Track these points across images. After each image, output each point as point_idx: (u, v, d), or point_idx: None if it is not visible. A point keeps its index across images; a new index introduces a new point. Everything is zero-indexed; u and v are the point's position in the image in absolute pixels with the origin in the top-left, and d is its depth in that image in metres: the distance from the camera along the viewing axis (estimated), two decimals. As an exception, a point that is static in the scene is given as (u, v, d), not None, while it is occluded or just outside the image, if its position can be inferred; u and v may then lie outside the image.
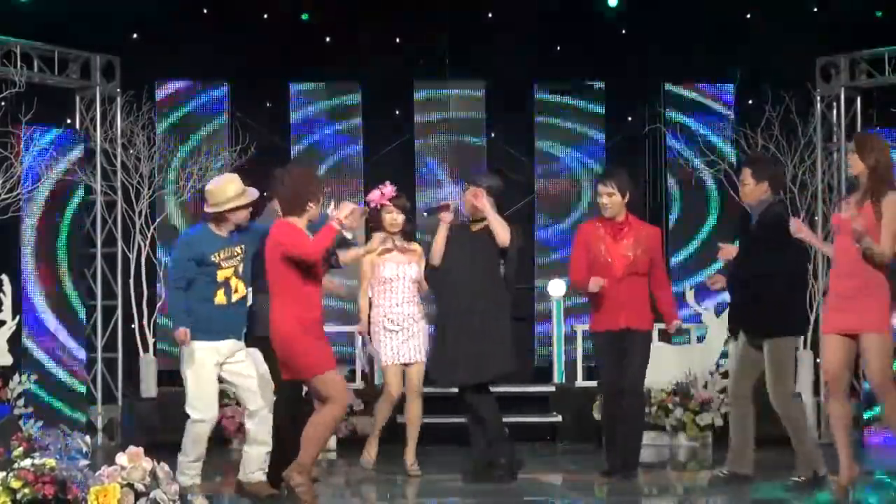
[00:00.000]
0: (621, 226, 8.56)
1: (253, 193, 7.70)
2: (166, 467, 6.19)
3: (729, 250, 8.24)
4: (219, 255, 7.64)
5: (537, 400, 11.58)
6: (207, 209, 7.72)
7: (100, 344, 11.63)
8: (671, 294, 8.81)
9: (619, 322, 8.51)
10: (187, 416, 7.66)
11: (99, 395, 11.52)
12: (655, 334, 11.27)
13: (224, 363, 7.70)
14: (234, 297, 7.67)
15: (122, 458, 6.08)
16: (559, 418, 11.45)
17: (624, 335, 8.51)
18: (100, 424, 11.32)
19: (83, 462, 6.06)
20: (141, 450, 6.14)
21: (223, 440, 10.49)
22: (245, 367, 7.66)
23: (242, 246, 7.68)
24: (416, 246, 9.17)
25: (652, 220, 12.82)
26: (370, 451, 9.15)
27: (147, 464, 6.10)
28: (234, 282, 7.66)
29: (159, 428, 10.71)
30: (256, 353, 7.74)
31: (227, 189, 7.71)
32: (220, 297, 7.60)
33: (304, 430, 7.27)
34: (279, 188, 7.41)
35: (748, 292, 8.18)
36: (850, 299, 7.38)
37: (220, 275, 7.63)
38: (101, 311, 11.64)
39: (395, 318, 8.94)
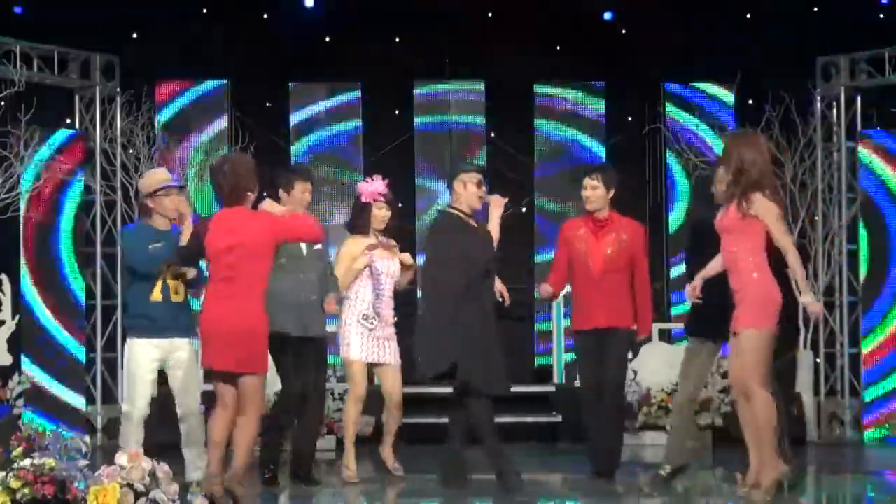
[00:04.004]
0: (603, 223, 8.53)
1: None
2: (166, 467, 6.19)
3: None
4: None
5: (537, 400, 11.57)
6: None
7: (99, 344, 11.63)
8: (649, 300, 8.65)
9: (598, 321, 8.48)
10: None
11: (99, 395, 11.52)
12: (655, 334, 11.31)
13: (166, 360, 7.72)
14: (172, 295, 7.66)
15: (121, 458, 6.09)
16: (559, 418, 11.44)
17: (604, 333, 8.47)
18: (99, 424, 11.32)
19: (83, 462, 6.06)
20: (141, 450, 6.15)
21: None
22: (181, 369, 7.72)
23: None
24: (394, 243, 8.97)
25: (652, 220, 12.85)
26: (350, 465, 8.78)
27: (146, 464, 6.10)
28: (171, 281, 7.67)
29: (159, 428, 10.67)
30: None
31: (157, 176, 7.79)
32: (155, 294, 7.60)
33: (238, 438, 7.12)
34: (220, 178, 7.19)
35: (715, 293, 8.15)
36: (736, 299, 7.37)
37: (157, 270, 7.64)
38: (100, 311, 11.64)
39: (371, 313, 8.69)
